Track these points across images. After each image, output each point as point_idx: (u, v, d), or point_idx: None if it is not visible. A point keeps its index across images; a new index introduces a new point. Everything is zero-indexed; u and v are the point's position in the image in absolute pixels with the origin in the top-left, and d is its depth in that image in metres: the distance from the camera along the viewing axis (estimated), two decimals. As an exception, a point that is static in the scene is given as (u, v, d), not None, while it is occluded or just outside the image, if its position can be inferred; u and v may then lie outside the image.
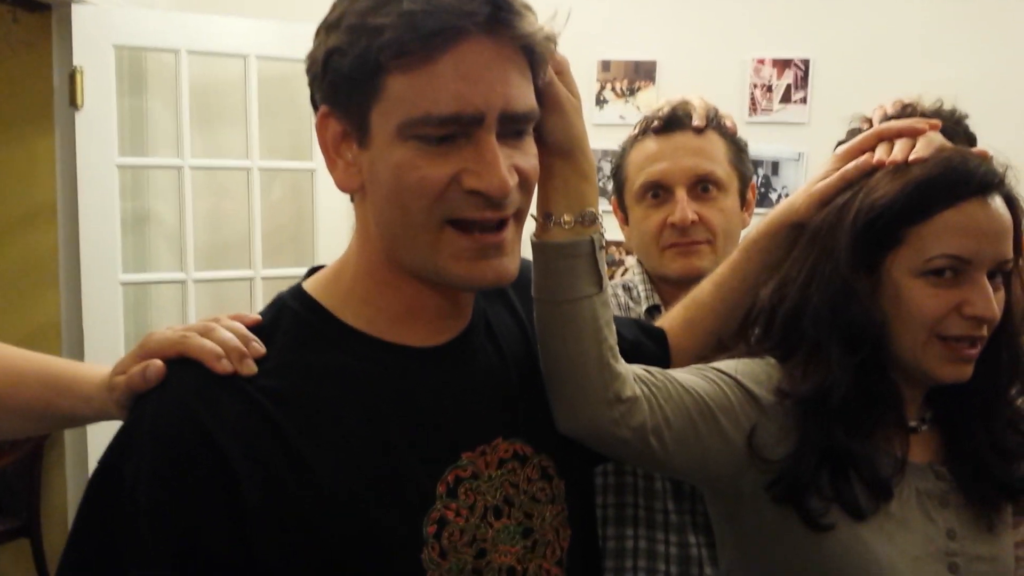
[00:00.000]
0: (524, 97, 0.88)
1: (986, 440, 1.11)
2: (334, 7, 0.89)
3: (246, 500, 0.83)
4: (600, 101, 3.29)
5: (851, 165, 1.13)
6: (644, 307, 1.49)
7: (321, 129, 0.91)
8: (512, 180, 0.87)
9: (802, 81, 3.20)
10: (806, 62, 3.19)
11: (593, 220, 1.00)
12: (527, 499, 0.98)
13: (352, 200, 0.96)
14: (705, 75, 3.20)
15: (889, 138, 1.13)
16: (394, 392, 0.92)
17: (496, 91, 0.85)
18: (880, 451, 1.08)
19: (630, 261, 3.22)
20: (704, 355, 1.20)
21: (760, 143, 3.20)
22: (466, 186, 0.86)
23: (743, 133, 3.27)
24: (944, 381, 1.08)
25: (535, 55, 0.89)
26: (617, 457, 1.14)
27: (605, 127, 3.10)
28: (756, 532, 1.11)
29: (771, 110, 3.23)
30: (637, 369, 1.05)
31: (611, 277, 1.57)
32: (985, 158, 1.10)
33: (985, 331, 1.05)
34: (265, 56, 2.95)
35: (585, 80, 3.28)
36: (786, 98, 3.22)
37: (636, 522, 1.38)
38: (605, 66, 3.28)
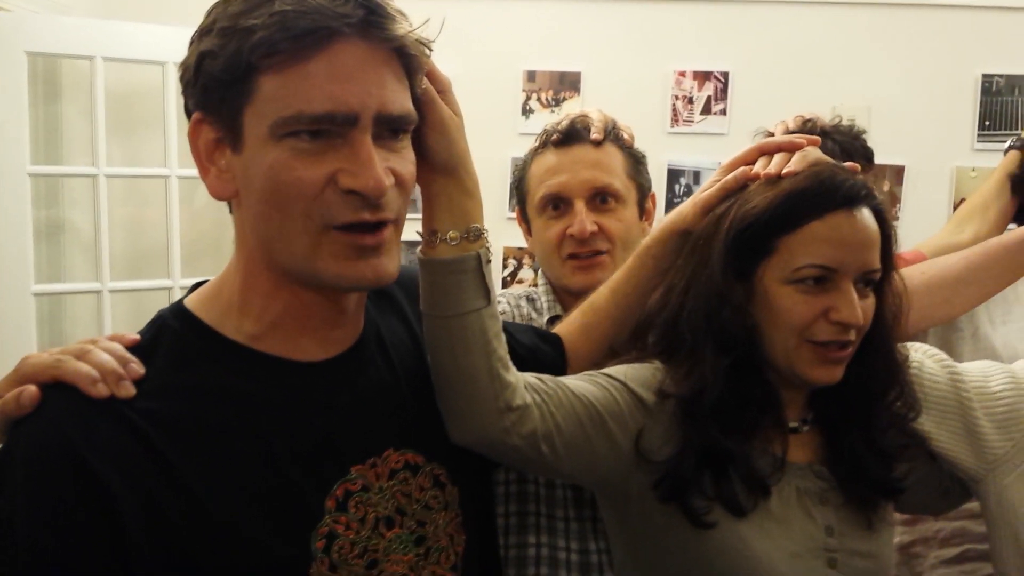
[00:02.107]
0: (399, 100, 0.89)
1: (864, 441, 1.16)
2: (208, 13, 0.88)
3: (126, 527, 0.81)
4: (526, 111, 3.31)
5: (730, 176, 1.17)
6: (546, 317, 1.52)
7: (193, 136, 0.90)
8: (388, 180, 0.87)
9: (722, 93, 3.26)
10: (726, 75, 3.25)
11: (478, 235, 1.02)
12: (420, 508, 0.99)
13: (230, 210, 0.95)
14: (628, 86, 3.25)
15: (769, 152, 1.18)
16: (278, 409, 0.92)
17: (371, 92, 0.86)
18: (760, 451, 1.12)
19: (527, 274, 3.25)
20: (600, 358, 1.24)
21: (682, 153, 3.27)
22: (342, 185, 0.86)
23: (665, 144, 3.36)
24: (816, 383, 1.12)
25: (409, 59, 0.90)
26: (509, 464, 1.16)
27: (531, 136, 3.09)
28: (644, 531, 1.15)
29: (692, 121, 3.28)
30: (528, 377, 1.08)
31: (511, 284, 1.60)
32: (854, 172, 1.14)
33: (852, 336, 1.10)
34: (184, 63, 2.88)
35: (511, 90, 3.30)
36: (707, 110, 3.28)
37: (538, 530, 1.40)
38: (531, 76, 3.30)
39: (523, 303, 1.55)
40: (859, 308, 1.09)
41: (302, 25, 0.82)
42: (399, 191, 0.91)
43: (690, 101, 3.28)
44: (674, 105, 3.28)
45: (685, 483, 1.09)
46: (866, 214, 1.10)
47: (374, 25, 0.86)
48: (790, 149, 1.17)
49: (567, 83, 3.31)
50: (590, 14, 3.30)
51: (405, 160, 0.92)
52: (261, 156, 0.86)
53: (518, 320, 1.50)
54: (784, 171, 1.13)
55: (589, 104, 3.18)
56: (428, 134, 0.97)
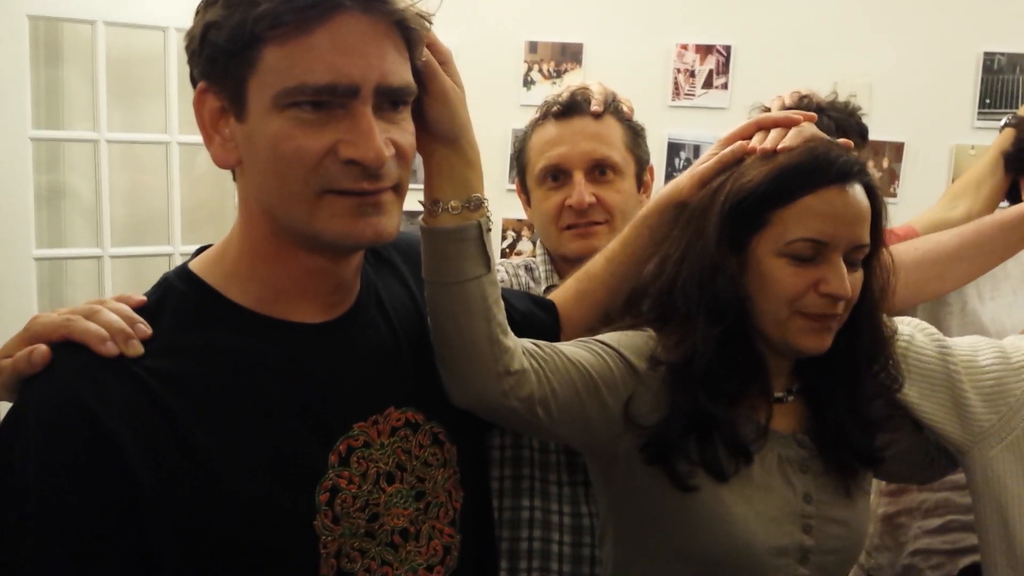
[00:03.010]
0: (400, 72, 0.91)
1: (847, 410, 1.20)
2: None
3: (136, 480, 0.84)
4: (527, 82, 3.31)
5: (727, 150, 1.20)
6: (544, 287, 1.54)
7: (198, 105, 0.92)
8: (388, 151, 0.90)
9: (724, 67, 3.26)
10: (728, 48, 3.25)
11: (479, 205, 1.04)
12: (419, 464, 1.02)
13: (234, 178, 0.97)
14: (630, 59, 3.24)
15: (766, 127, 1.20)
16: (282, 368, 0.95)
17: (372, 64, 0.88)
18: (744, 418, 1.16)
19: (526, 246, 3.26)
20: (594, 324, 1.27)
21: (683, 127, 3.27)
22: (342, 156, 0.88)
23: (666, 117, 3.36)
24: (806, 351, 1.15)
25: (410, 32, 0.92)
26: (506, 425, 1.20)
27: (531, 108, 3.08)
28: (628, 492, 1.19)
29: (693, 95, 3.28)
30: (526, 343, 1.11)
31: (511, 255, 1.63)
32: (848, 149, 1.17)
33: (840, 308, 1.13)
34: (185, 29, 2.86)
35: (513, 60, 3.29)
36: (708, 83, 3.28)
37: (532, 494, 1.44)
38: (532, 47, 3.30)
39: (521, 272, 1.58)
40: (847, 281, 1.11)
41: None
42: (399, 161, 0.93)
43: (692, 75, 3.28)
44: (676, 78, 3.28)
45: (671, 447, 1.13)
46: (858, 190, 1.13)
47: None
48: (786, 125, 1.20)
49: (569, 54, 3.30)
50: (593, -15, 3.29)
51: (405, 131, 0.94)
52: (264, 125, 0.88)
53: (516, 289, 1.52)
54: (780, 146, 1.16)
55: (591, 76, 3.17)
56: (430, 105, 0.99)
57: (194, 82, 0.93)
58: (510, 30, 3.28)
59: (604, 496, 1.26)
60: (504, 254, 3.29)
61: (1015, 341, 1.31)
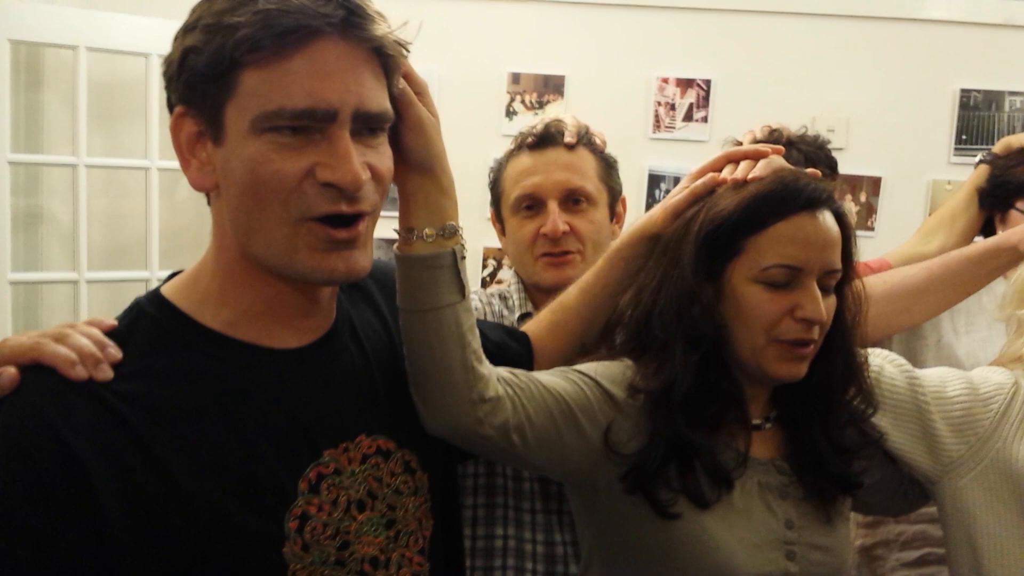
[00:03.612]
0: (377, 98, 0.92)
1: (824, 437, 1.21)
2: (192, 11, 0.91)
3: (103, 506, 0.84)
4: (510, 113, 3.32)
5: (699, 182, 1.22)
6: (517, 315, 1.55)
7: (175, 129, 0.93)
8: (365, 175, 0.90)
9: (704, 101, 3.29)
10: (708, 82, 3.28)
11: (454, 233, 1.05)
12: (390, 492, 1.02)
13: (208, 202, 0.97)
14: (611, 91, 3.26)
15: (736, 160, 1.23)
16: (253, 393, 0.94)
17: (350, 90, 0.89)
18: (724, 445, 1.17)
19: (506, 275, 3.27)
20: (568, 356, 1.28)
21: (663, 159, 3.29)
22: (320, 179, 0.89)
23: (647, 149, 3.39)
24: (782, 379, 1.17)
25: (387, 59, 0.93)
26: (481, 454, 1.20)
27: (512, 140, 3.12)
28: (610, 522, 1.19)
29: (674, 127, 3.30)
30: (502, 371, 1.11)
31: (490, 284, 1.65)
32: (817, 177, 1.20)
33: (816, 333, 1.14)
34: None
35: (495, 91, 3.31)
36: (688, 116, 3.30)
37: (505, 522, 1.44)
38: (515, 78, 3.32)
39: (495, 301, 1.59)
40: (822, 305, 1.13)
41: (285, 23, 0.85)
42: (376, 185, 0.94)
43: (672, 108, 3.31)
44: (656, 111, 3.31)
45: (652, 475, 1.13)
46: (828, 216, 1.15)
47: (354, 25, 0.89)
48: (755, 157, 1.22)
49: (551, 86, 3.32)
50: (575, 18, 3.31)
51: (383, 155, 0.95)
52: (241, 149, 0.89)
53: (490, 318, 1.53)
54: (749, 176, 1.18)
55: (573, 108, 3.21)
56: (406, 133, 1.00)
57: (171, 107, 0.93)
58: (493, 61, 3.30)
59: (587, 527, 1.26)
60: (484, 283, 3.29)
61: (983, 372, 1.32)
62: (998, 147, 1.93)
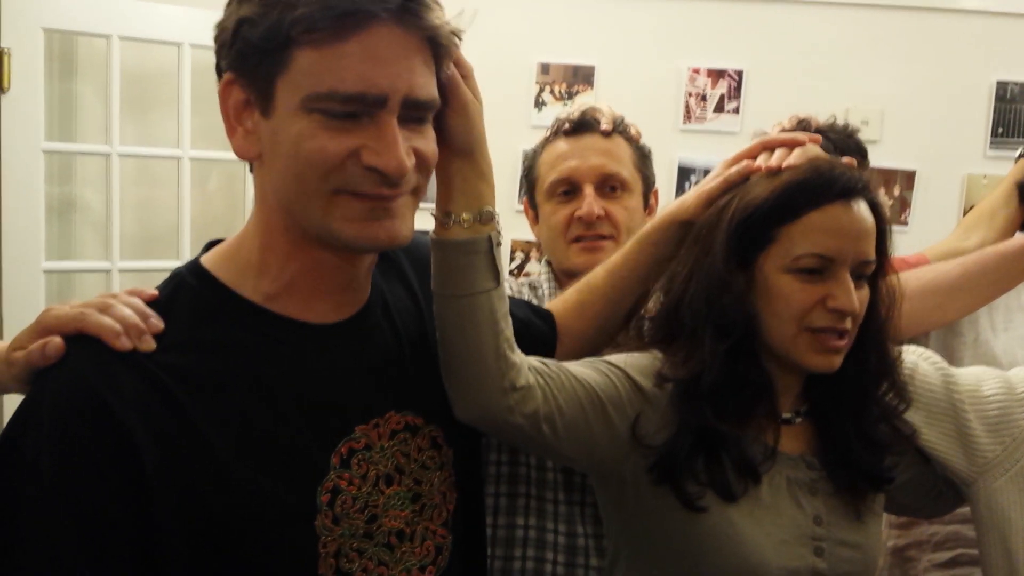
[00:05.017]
0: (427, 86, 0.93)
1: (855, 433, 1.19)
2: None
3: (146, 473, 0.86)
4: (539, 103, 3.31)
5: (733, 169, 1.21)
6: (547, 304, 1.55)
7: (224, 95, 0.94)
8: (410, 162, 0.92)
9: (735, 92, 3.26)
10: (740, 73, 3.25)
11: (491, 218, 1.06)
12: (417, 467, 1.04)
13: (251, 170, 0.99)
14: (641, 82, 3.25)
15: (771, 148, 1.22)
16: (290, 367, 0.96)
17: (401, 77, 0.90)
18: (752, 439, 1.16)
19: (535, 268, 3.26)
20: (592, 337, 1.28)
21: (693, 151, 3.27)
22: (365, 162, 0.90)
23: (677, 141, 3.37)
24: (814, 370, 1.16)
25: (439, 48, 0.94)
26: (510, 442, 1.21)
27: (542, 129, 3.08)
28: (638, 514, 1.18)
29: (704, 119, 3.28)
30: (533, 360, 1.12)
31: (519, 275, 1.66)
32: (851, 167, 1.19)
33: (848, 324, 1.13)
34: (200, 44, 2.89)
35: (524, 82, 3.30)
36: (719, 108, 3.28)
37: (527, 512, 1.44)
38: (544, 69, 3.31)
39: (525, 291, 1.60)
40: (855, 296, 1.12)
41: (343, 6, 0.87)
42: (419, 169, 0.95)
43: (703, 99, 3.28)
44: (687, 102, 3.29)
45: (679, 467, 1.13)
46: (863, 206, 1.14)
47: (410, 12, 0.90)
48: (791, 145, 1.21)
49: (580, 77, 3.31)
50: (605, 8, 3.30)
51: (428, 140, 0.96)
52: (289, 124, 0.90)
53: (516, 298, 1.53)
54: (784, 164, 1.17)
55: (602, 98, 3.19)
56: (450, 116, 1.01)
57: (219, 72, 0.95)
58: (522, 51, 3.29)
59: (614, 521, 1.26)
60: (513, 275, 3.29)
61: (1020, 372, 1.30)
62: (1039, 140, 1.90)
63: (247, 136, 0.94)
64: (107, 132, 2.89)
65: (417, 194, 0.97)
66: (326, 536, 0.95)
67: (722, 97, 3.27)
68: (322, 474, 0.95)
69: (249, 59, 0.90)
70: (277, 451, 0.93)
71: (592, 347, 1.27)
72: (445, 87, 0.98)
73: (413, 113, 0.93)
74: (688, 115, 3.29)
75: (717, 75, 3.27)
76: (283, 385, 0.95)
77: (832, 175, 1.14)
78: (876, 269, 1.17)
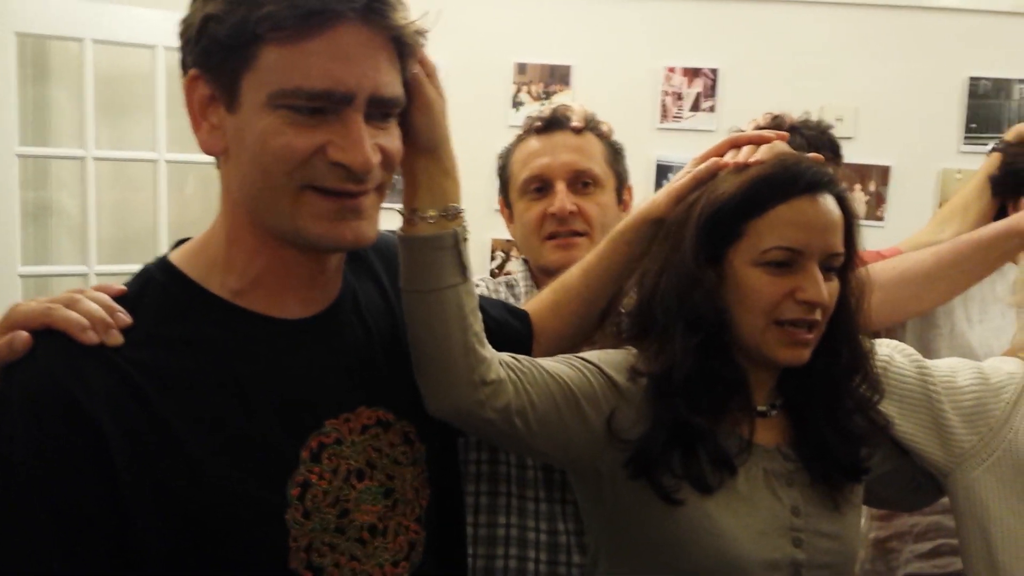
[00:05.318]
0: (392, 84, 0.95)
1: (830, 424, 1.21)
2: None
3: (116, 468, 0.87)
4: (516, 103, 3.32)
5: (702, 166, 1.22)
6: (523, 302, 1.55)
7: (189, 91, 0.94)
8: (375, 158, 0.93)
9: (711, 90, 3.28)
10: (715, 72, 3.27)
11: (456, 214, 1.07)
12: (389, 462, 1.04)
13: (217, 166, 0.99)
14: (618, 81, 3.26)
15: (739, 145, 1.23)
16: (258, 362, 0.97)
17: (367, 75, 0.91)
18: (727, 432, 1.17)
19: (515, 266, 3.27)
20: (568, 336, 1.29)
21: (671, 149, 3.28)
22: (331, 158, 0.91)
23: (654, 139, 3.37)
24: (784, 363, 1.17)
25: (405, 47, 0.95)
26: (484, 438, 1.22)
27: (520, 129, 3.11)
28: (616, 510, 1.19)
29: (681, 117, 3.30)
30: (505, 356, 1.12)
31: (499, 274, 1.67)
32: (819, 161, 1.20)
33: (818, 315, 1.14)
34: (174, 47, 2.85)
35: (501, 82, 3.31)
36: (696, 106, 3.29)
37: (508, 511, 1.45)
38: (521, 69, 3.31)
39: (502, 288, 1.61)
40: (824, 288, 1.13)
41: (309, 5, 0.87)
42: (384, 166, 0.96)
43: (679, 97, 3.30)
44: (663, 101, 3.30)
45: (655, 460, 1.13)
46: (829, 200, 1.15)
47: (376, 12, 0.91)
48: (758, 142, 1.23)
49: (557, 76, 3.32)
50: (581, 8, 3.31)
51: (393, 137, 0.97)
52: (255, 120, 0.91)
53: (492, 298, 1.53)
54: (751, 160, 1.19)
55: (579, 98, 3.20)
56: (414, 114, 1.02)
57: (184, 67, 0.95)
58: (499, 51, 3.30)
59: (594, 517, 1.26)
60: (493, 274, 3.28)
61: (994, 362, 1.32)
62: (1010, 134, 1.92)
63: (212, 131, 0.95)
64: (82, 136, 2.88)
65: (382, 192, 0.98)
66: (297, 530, 0.95)
67: (698, 96, 3.29)
68: (291, 468, 0.96)
69: (215, 55, 0.90)
70: (247, 445, 0.94)
71: (569, 346, 1.27)
72: (410, 85, 0.99)
73: (378, 111, 0.94)
74: (665, 114, 3.30)
75: (693, 74, 3.28)
76: (252, 379, 0.96)
77: (798, 169, 1.15)
78: (845, 262, 1.18)
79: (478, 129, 2.96)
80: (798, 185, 1.14)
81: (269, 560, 0.94)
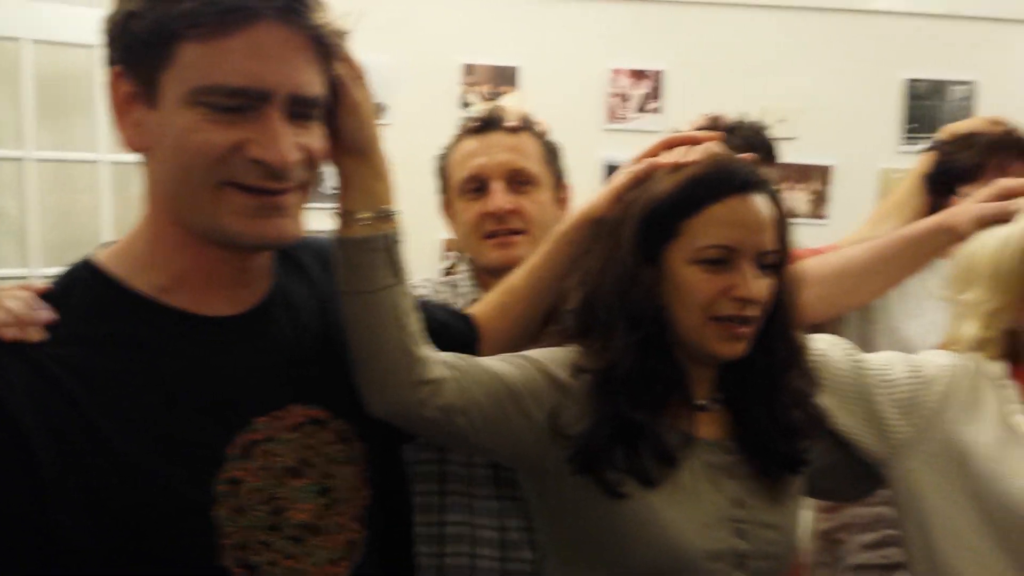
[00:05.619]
0: (312, 83, 0.95)
1: (768, 418, 1.23)
2: None
3: (40, 466, 0.86)
4: (464, 104, 3.33)
5: (639, 166, 1.24)
6: (466, 301, 1.55)
7: (112, 87, 0.95)
8: (294, 156, 0.94)
9: (656, 92, 3.32)
10: (660, 74, 3.31)
11: (389, 216, 1.08)
12: (324, 460, 1.05)
13: (142, 164, 0.99)
14: (565, 83, 3.30)
15: (673, 145, 1.26)
16: (183, 360, 0.97)
17: (285, 73, 0.92)
18: (668, 426, 1.19)
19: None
20: (515, 338, 1.30)
21: (618, 150, 3.30)
22: (249, 155, 0.92)
23: (602, 140, 3.40)
24: (721, 357, 1.19)
25: (325, 47, 0.96)
26: (429, 437, 1.22)
27: (468, 130, 3.12)
28: (563, 506, 1.20)
29: (627, 118, 3.33)
30: (446, 355, 1.14)
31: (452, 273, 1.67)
32: (751, 161, 1.23)
33: (752, 311, 1.17)
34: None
35: (450, 83, 3.32)
36: (642, 107, 3.33)
37: (458, 509, 1.45)
38: (469, 70, 3.32)
39: (444, 288, 1.61)
40: (758, 285, 1.16)
41: (227, 3, 0.88)
42: (307, 164, 0.97)
43: (626, 99, 3.33)
44: (610, 102, 3.33)
45: (598, 456, 1.15)
46: (761, 199, 1.17)
47: (294, 12, 0.91)
48: (693, 142, 1.25)
49: (505, 78, 3.34)
50: (528, 9, 3.34)
51: (314, 136, 0.98)
52: (174, 117, 0.91)
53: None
54: (686, 160, 1.20)
55: (527, 99, 3.22)
56: (342, 116, 1.02)
57: (109, 63, 0.95)
58: (447, 52, 3.31)
59: (541, 514, 1.27)
60: (450, 274, 3.29)
61: (926, 355, 1.35)
62: (942, 134, 1.97)
63: (134, 128, 0.95)
64: (20, 137, 2.82)
65: (306, 190, 0.99)
66: (228, 527, 0.96)
67: (644, 97, 3.32)
68: (218, 464, 0.96)
69: (135, 52, 0.91)
70: (172, 442, 0.94)
71: (515, 347, 1.28)
72: (336, 87, 1.00)
73: (299, 109, 0.94)
74: (612, 115, 3.33)
75: (638, 76, 3.32)
76: (177, 377, 0.96)
77: (730, 169, 1.18)
78: (780, 259, 1.20)
79: (426, 130, 2.95)
80: (731, 185, 1.16)
81: (198, 557, 0.95)
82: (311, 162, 0.97)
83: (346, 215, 1.06)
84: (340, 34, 0.97)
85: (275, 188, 0.94)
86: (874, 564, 1.82)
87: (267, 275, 1.07)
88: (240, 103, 0.90)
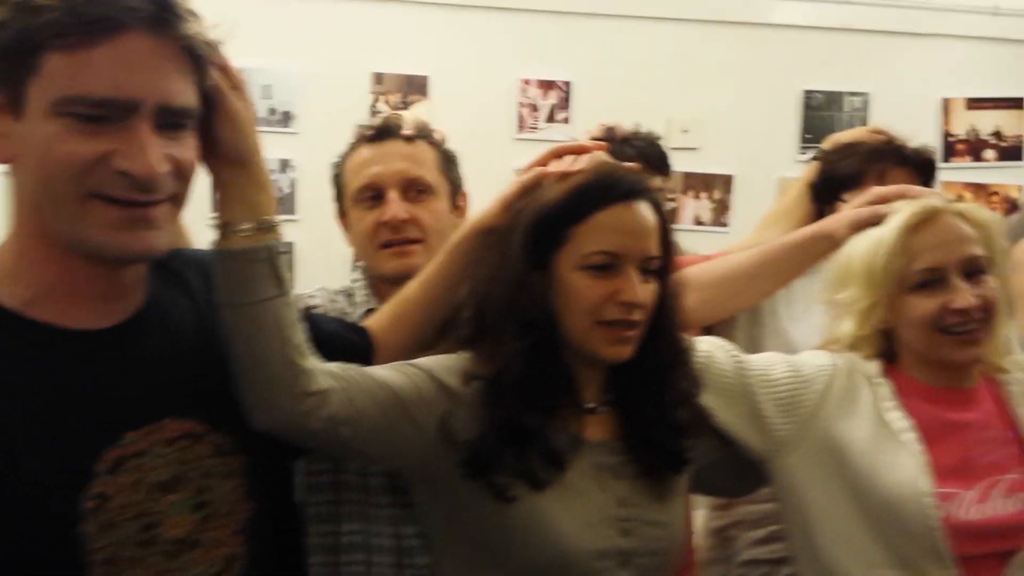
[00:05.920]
0: (182, 93, 0.94)
1: (655, 417, 1.27)
2: None
3: None
4: (374, 113, 3.32)
5: (527, 175, 1.27)
6: (362, 310, 1.55)
7: None
8: (162, 167, 0.92)
9: (564, 102, 3.37)
10: (567, 84, 3.36)
11: (271, 227, 1.06)
12: (200, 475, 1.03)
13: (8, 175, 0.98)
14: (475, 93, 3.32)
15: (561, 155, 1.29)
16: (48, 374, 0.95)
17: (154, 83, 0.91)
18: (558, 429, 1.21)
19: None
20: (410, 349, 1.30)
21: (528, 159, 3.31)
22: (115, 166, 0.91)
23: (513, 149, 3.43)
24: (609, 360, 1.23)
25: (196, 58, 0.95)
26: (315, 448, 1.21)
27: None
28: (453, 511, 1.22)
29: (537, 128, 3.37)
30: (331, 366, 1.13)
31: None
32: (635, 171, 1.29)
33: (637, 315, 1.20)
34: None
35: (359, 91, 3.31)
36: (551, 118, 3.38)
37: (352, 518, 1.44)
38: (379, 79, 3.32)
39: (339, 298, 1.59)
40: (641, 290, 1.20)
41: (92, 13, 0.88)
42: (177, 176, 0.96)
43: (535, 109, 3.38)
44: (520, 112, 3.37)
45: (488, 461, 1.17)
46: (644, 207, 1.22)
47: (163, 22, 0.91)
48: (579, 152, 1.29)
49: (415, 87, 3.34)
50: (438, 19, 3.35)
51: (185, 147, 0.97)
52: (40, 128, 0.90)
53: (332, 315, 1.53)
54: (572, 169, 1.24)
55: (437, 109, 3.23)
56: (218, 126, 1.01)
57: None
58: (356, 61, 3.30)
59: (432, 519, 1.29)
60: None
61: (806, 356, 1.41)
62: (827, 143, 2.03)
63: (1, 139, 0.93)
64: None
65: (177, 203, 0.98)
66: (98, 542, 0.94)
67: (553, 107, 3.37)
68: (86, 480, 0.94)
69: (0, 63, 0.90)
70: (37, 457, 0.92)
71: (411, 357, 1.28)
72: (211, 97, 0.99)
73: (169, 120, 0.93)
74: (522, 125, 3.37)
75: (547, 86, 3.37)
76: (43, 391, 0.94)
77: (615, 178, 1.22)
78: (663, 265, 1.25)
79: (335, 139, 2.94)
80: (615, 193, 1.20)
81: (63, 573, 0.93)
82: (181, 173, 0.96)
83: (225, 227, 1.05)
84: (212, 44, 0.96)
85: (143, 200, 0.93)
86: (763, 559, 1.87)
87: (141, 287, 1.04)
88: (106, 113, 0.89)
